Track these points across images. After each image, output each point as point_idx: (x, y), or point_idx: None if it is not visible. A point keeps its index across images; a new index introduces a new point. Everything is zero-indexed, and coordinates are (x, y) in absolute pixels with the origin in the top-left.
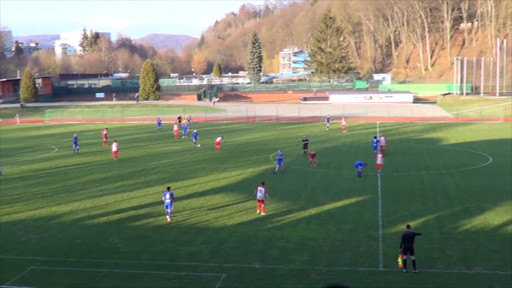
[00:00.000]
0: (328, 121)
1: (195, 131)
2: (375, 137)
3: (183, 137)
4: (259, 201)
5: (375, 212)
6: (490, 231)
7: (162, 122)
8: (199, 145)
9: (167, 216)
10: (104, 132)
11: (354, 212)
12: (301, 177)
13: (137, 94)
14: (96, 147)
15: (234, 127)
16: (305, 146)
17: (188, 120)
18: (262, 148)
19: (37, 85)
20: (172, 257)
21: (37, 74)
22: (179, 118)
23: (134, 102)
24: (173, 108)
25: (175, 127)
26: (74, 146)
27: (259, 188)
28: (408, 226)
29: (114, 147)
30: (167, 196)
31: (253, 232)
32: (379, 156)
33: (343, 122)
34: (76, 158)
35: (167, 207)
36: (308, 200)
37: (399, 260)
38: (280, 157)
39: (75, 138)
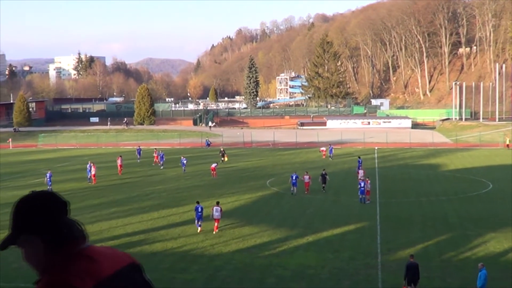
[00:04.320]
0: (331, 151)
1: (185, 159)
2: (359, 157)
3: (161, 167)
4: (215, 220)
5: (374, 239)
6: (490, 259)
7: (141, 148)
8: (185, 171)
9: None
10: (119, 161)
11: (353, 239)
12: (299, 203)
13: (126, 119)
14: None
15: (230, 153)
16: (324, 179)
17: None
18: (259, 174)
19: (30, 109)
20: (167, 285)
21: (30, 98)
22: (222, 152)
23: (125, 127)
24: (168, 133)
25: (155, 153)
26: (88, 174)
27: (215, 207)
28: (412, 256)
29: (92, 170)
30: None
31: (250, 260)
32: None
33: (323, 148)
34: (69, 184)
35: (199, 219)
36: (305, 226)
37: None
38: (295, 179)
39: (89, 165)
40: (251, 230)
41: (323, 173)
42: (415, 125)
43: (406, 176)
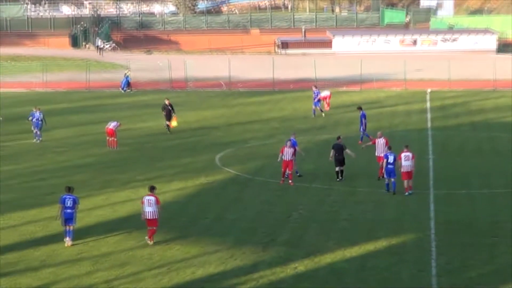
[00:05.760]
0: (318, 102)
1: (38, 113)
2: (361, 108)
3: (36, 139)
4: (148, 221)
5: (425, 266)
6: None
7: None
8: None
9: (68, 239)
10: None
11: (384, 267)
12: (279, 198)
13: None
14: None
15: (144, 101)
16: (340, 159)
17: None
18: (201, 141)
19: None
20: None
21: None
22: (168, 107)
23: None
24: (22, 62)
25: None
26: None
27: (147, 198)
28: None
29: None
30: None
31: None
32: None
33: (325, 94)
34: None
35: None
36: (291, 244)
37: None
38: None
39: None
40: (187, 250)
41: (339, 143)
42: (505, 47)
43: (485, 146)
